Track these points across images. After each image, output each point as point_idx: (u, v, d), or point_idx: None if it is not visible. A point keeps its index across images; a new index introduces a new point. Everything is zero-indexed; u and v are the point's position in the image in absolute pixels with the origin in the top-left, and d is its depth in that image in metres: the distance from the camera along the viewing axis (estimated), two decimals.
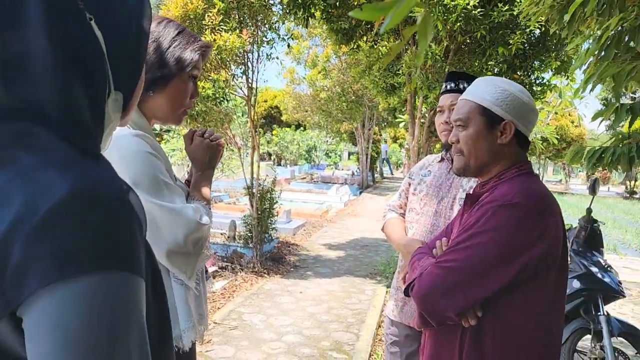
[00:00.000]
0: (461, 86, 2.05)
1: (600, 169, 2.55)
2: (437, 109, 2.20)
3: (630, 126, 2.53)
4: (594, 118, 2.42)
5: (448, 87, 2.14)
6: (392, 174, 29.06)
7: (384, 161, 28.38)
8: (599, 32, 2.36)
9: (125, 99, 0.69)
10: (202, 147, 1.57)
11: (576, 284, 3.46)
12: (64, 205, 0.52)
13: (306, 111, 19.08)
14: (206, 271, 1.61)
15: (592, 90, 2.19)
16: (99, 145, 0.66)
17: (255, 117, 6.47)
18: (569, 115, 22.68)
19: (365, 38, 6.19)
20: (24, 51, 0.56)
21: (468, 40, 5.29)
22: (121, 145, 1.29)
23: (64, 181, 0.53)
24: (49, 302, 0.50)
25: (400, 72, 5.56)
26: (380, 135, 24.65)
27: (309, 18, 5.69)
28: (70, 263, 0.51)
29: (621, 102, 2.33)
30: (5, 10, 0.55)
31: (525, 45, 5.13)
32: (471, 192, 1.50)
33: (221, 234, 7.35)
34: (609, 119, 2.46)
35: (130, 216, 0.57)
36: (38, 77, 0.57)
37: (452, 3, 4.27)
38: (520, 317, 1.28)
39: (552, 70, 5.41)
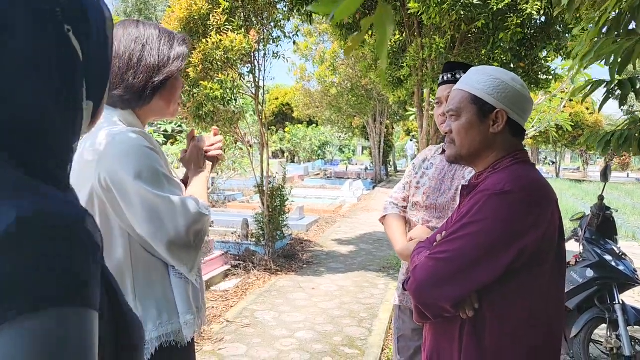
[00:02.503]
0: (458, 76, 2.02)
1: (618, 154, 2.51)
2: (435, 101, 2.17)
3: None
4: (572, 95, 2.40)
5: (445, 78, 2.12)
6: None
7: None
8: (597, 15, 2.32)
9: (94, 108, 0.68)
10: (196, 152, 1.60)
11: (589, 273, 3.41)
12: (9, 236, 0.47)
13: (317, 107, 19.08)
14: None
15: (585, 67, 2.16)
16: (66, 163, 0.62)
17: (264, 115, 6.48)
18: (586, 102, 22.32)
19: (370, 32, 6.15)
20: None
21: (474, 30, 5.23)
22: (120, 141, 1.31)
23: (11, 209, 0.48)
24: None
25: (404, 63, 5.52)
26: (393, 128, 24.52)
27: (313, 14, 5.68)
28: (14, 301, 0.46)
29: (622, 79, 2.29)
30: None
31: (532, 31, 5.05)
32: (467, 183, 1.48)
33: (232, 232, 7.39)
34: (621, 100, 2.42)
35: (84, 245, 0.53)
36: (5, 91, 0.54)
37: None
38: (518, 306, 1.26)
39: (560, 57, 5.32)
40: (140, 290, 1.34)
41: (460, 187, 2.05)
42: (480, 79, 1.35)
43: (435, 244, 1.51)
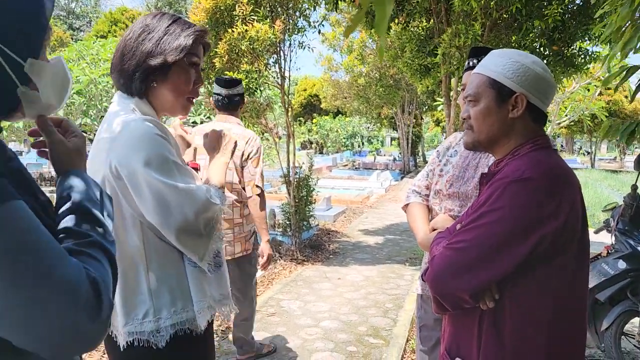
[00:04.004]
0: None
1: None
2: (461, 88, 2.13)
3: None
4: (605, 83, 2.29)
5: (470, 63, 2.07)
6: None
7: None
8: None
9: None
10: (215, 137, 1.61)
11: (622, 265, 3.32)
12: None
13: (345, 98, 19.00)
14: None
15: (625, 55, 2.06)
16: None
17: (290, 107, 6.48)
18: (623, 89, 21.57)
19: (396, 20, 6.07)
20: None
21: (505, 16, 5.09)
22: (133, 128, 1.31)
23: None
24: None
25: (439, 51, 5.42)
26: (422, 119, 24.22)
27: (339, 2, 5.63)
28: None
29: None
30: None
31: (566, 15, 4.89)
32: (486, 171, 1.45)
33: None
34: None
35: None
36: None
37: None
38: (540, 296, 1.22)
39: (597, 39, 5.13)
40: (154, 278, 1.35)
41: None
42: (499, 62, 1.31)
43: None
